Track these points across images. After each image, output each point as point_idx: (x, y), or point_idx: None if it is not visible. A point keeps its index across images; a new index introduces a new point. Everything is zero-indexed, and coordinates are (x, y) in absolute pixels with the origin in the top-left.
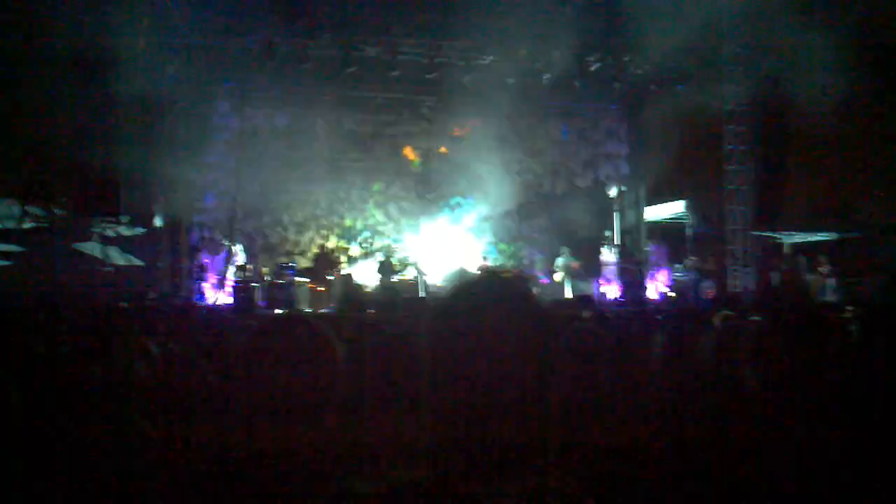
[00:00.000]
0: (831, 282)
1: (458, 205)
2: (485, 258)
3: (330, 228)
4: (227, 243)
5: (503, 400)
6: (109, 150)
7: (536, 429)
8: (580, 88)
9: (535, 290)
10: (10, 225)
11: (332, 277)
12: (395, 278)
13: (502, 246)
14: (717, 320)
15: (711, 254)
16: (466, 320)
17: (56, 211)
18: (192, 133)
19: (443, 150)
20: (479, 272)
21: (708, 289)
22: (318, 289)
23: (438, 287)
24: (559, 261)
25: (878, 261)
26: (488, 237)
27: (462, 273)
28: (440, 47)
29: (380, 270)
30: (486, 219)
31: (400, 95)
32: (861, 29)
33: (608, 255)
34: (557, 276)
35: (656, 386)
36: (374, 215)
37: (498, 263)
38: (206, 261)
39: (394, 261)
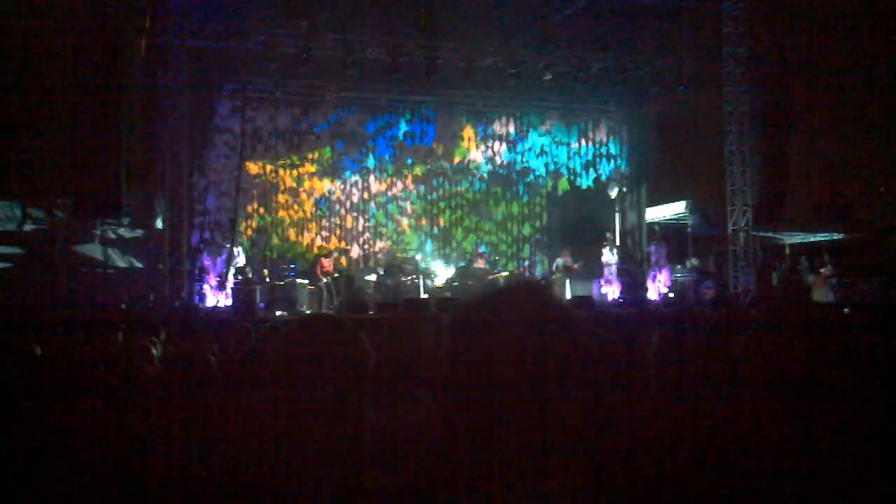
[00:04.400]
0: (832, 282)
1: (460, 204)
2: (482, 254)
3: (331, 229)
4: (227, 245)
5: (518, 401)
6: (111, 152)
7: (546, 431)
8: (581, 89)
9: (559, 297)
10: (11, 227)
11: (332, 279)
12: (396, 279)
13: (503, 247)
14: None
15: (712, 254)
16: (490, 321)
17: (57, 213)
18: (193, 134)
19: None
20: (506, 279)
21: (708, 289)
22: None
23: (439, 288)
24: (558, 261)
25: (880, 261)
26: (488, 237)
27: (484, 279)
28: (441, 48)
29: (380, 271)
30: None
31: (401, 97)
32: (861, 31)
33: (609, 256)
34: (557, 277)
35: (657, 386)
36: (374, 216)
37: (496, 264)
38: (207, 262)
39: (394, 261)
